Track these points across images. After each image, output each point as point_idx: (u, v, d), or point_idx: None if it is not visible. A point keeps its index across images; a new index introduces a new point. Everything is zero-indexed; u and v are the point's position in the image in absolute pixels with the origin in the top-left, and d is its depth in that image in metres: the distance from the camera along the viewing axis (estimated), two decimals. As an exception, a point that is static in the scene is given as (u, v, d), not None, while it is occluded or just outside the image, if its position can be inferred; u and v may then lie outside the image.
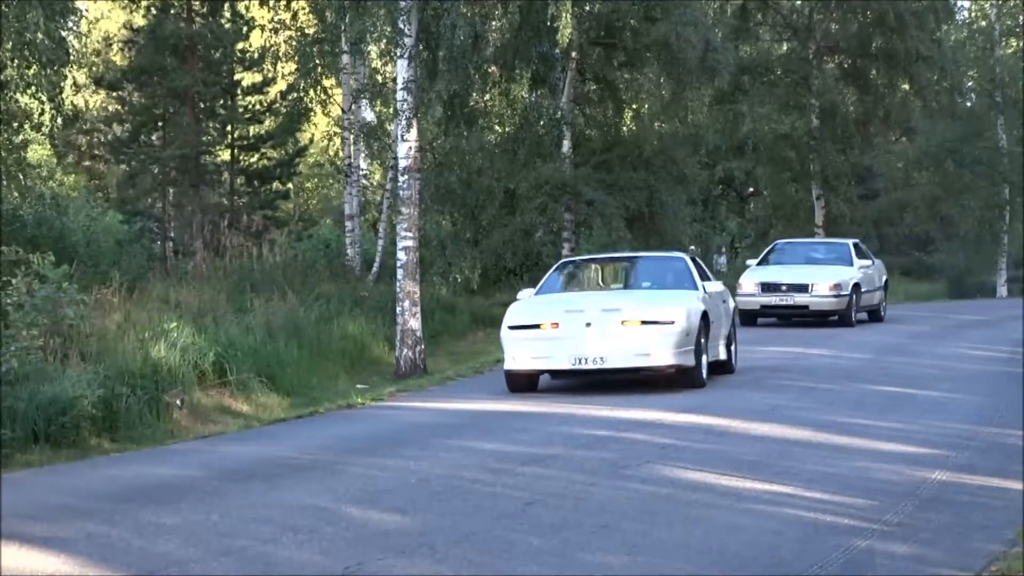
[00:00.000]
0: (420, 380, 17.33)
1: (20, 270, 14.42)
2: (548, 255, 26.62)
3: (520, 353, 14.79)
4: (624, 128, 30.52)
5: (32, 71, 23.45)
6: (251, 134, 35.90)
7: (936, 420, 12.47)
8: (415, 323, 18.80)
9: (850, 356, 19.13)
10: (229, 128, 35.31)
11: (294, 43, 32.00)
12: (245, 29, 34.53)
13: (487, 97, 27.27)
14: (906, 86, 40.06)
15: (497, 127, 29.23)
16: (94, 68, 36.27)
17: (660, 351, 14.51)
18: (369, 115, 35.55)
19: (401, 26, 19.26)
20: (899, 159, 44.82)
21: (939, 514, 8.27)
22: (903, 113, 42.53)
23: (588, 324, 14.63)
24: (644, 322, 14.62)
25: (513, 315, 15.23)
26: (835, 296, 24.64)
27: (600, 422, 12.34)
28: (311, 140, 42.36)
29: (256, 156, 36.69)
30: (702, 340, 14.98)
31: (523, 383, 15.07)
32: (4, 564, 6.96)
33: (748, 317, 24.72)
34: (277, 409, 14.36)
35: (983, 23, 45.75)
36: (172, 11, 33.24)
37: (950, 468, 9.86)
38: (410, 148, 19.11)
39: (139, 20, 34.84)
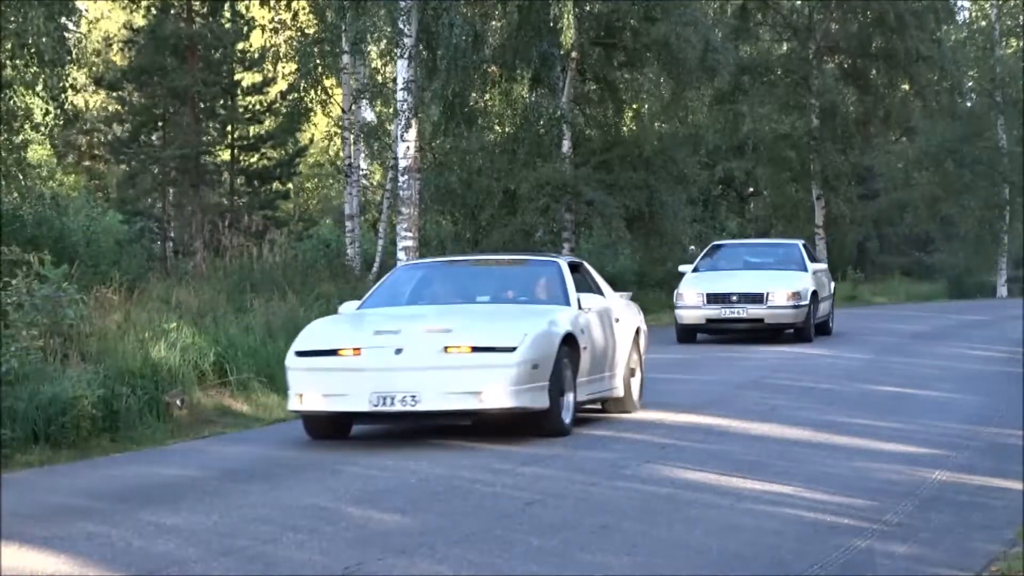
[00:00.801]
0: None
1: (20, 270, 14.39)
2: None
3: (309, 389, 11.09)
4: (624, 128, 30.56)
5: (33, 71, 23.46)
6: (251, 134, 35.93)
7: (936, 420, 12.47)
8: (415, 323, 18.74)
9: (850, 356, 19.14)
10: (229, 128, 35.34)
11: (294, 43, 32.07)
12: (245, 29, 34.58)
13: (487, 97, 27.28)
14: (906, 86, 40.12)
15: (497, 127, 29.26)
16: (94, 68, 36.30)
17: (494, 388, 10.75)
18: (369, 115, 35.60)
19: (401, 26, 19.28)
20: (899, 159, 44.88)
21: (939, 514, 8.26)
22: (903, 113, 42.60)
23: (399, 351, 10.96)
24: (476, 348, 10.92)
25: (305, 337, 11.55)
26: (794, 307, 21.16)
27: (600, 422, 12.34)
28: (311, 140, 42.38)
29: (256, 156, 36.72)
30: (565, 373, 11.37)
31: (323, 429, 11.50)
32: (4, 564, 6.95)
33: (687, 333, 21.61)
34: (277, 409, 14.33)
35: (983, 23, 45.79)
36: (172, 11, 33.28)
37: (950, 468, 9.86)
38: (410, 148, 19.13)
39: (139, 20, 34.88)
